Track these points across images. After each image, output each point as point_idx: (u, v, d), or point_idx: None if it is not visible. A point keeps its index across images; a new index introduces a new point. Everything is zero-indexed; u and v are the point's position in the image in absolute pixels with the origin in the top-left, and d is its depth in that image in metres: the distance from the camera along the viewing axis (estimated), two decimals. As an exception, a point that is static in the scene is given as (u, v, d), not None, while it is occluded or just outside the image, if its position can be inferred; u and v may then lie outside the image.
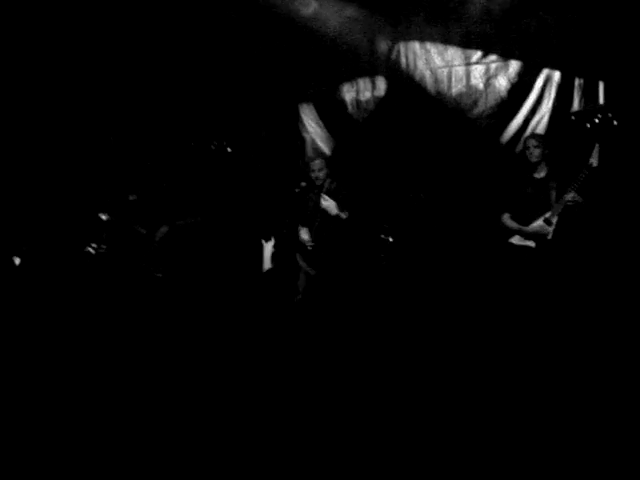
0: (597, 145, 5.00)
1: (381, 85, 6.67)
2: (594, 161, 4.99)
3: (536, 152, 5.27)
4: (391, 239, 5.89)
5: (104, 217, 6.29)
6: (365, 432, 3.33)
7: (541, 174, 5.32)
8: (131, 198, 6.47)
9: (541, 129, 6.06)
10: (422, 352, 4.54)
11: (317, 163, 5.70)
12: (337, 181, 5.69)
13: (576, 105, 6.01)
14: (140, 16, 6.39)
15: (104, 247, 6.24)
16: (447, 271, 5.88)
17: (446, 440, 3.22)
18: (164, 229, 6.34)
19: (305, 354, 4.59)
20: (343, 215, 5.51)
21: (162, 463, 3.09)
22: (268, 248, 5.78)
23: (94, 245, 6.19)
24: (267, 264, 5.77)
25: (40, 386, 4.01)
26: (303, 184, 5.81)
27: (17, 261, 6.30)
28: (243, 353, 4.62)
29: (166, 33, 6.53)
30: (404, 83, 6.56)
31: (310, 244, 5.59)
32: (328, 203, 5.51)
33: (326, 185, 5.62)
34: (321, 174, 5.63)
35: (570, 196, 5.04)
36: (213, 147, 6.69)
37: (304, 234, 5.68)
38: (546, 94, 6.10)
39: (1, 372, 4.26)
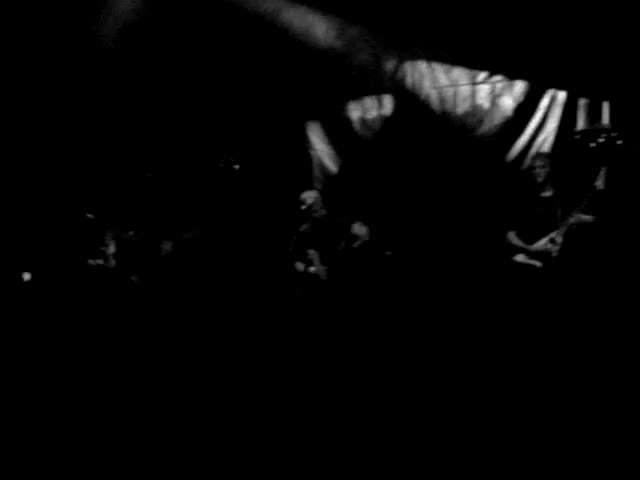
0: (603, 168, 5.06)
1: (387, 104, 6.75)
2: (600, 184, 5.05)
3: (542, 172, 5.33)
4: (393, 255, 5.94)
5: (109, 231, 6.34)
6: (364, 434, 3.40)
7: (547, 193, 5.36)
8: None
9: (546, 148, 6.11)
10: (423, 366, 4.60)
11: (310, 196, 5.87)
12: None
13: (581, 124, 6.03)
14: (155, 36, 6.49)
15: (112, 262, 6.28)
16: (450, 288, 5.92)
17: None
18: (168, 244, 6.37)
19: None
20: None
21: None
22: None
23: (99, 260, 6.23)
24: None
25: (50, 397, 4.09)
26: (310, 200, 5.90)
27: (27, 276, 6.36)
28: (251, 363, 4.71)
29: (175, 52, 6.61)
30: (410, 102, 6.62)
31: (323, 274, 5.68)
32: (363, 229, 5.62)
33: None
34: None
35: (575, 217, 5.10)
36: (221, 164, 6.76)
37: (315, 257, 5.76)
38: (551, 114, 6.15)
39: (10, 382, 4.34)
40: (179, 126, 6.95)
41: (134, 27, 6.47)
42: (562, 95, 6.13)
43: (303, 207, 5.83)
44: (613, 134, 5.65)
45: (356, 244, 5.67)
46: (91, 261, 6.19)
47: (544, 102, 6.18)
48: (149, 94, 6.81)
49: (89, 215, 6.21)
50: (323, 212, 5.90)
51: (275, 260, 6.20)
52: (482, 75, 6.39)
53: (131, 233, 6.29)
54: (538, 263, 5.22)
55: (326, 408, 3.86)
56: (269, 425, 3.64)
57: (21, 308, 6.04)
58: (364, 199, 6.32)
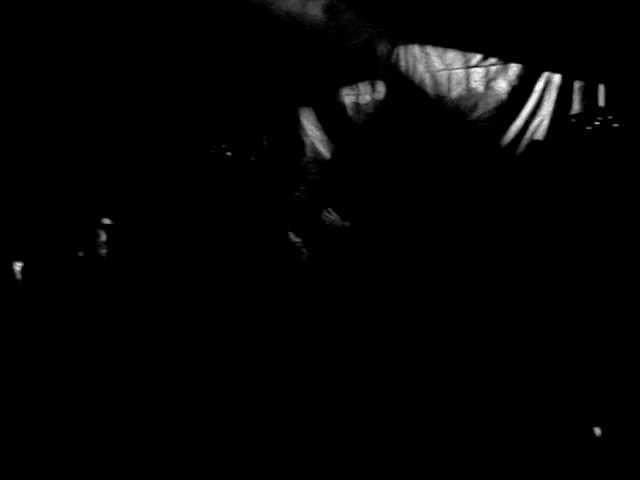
0: None
1: (381, 89, 6.68)
2: None
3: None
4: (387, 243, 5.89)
5: (105, 221, 6.29)
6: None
7: None
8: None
9: (541, 132, 6.07)
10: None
11: (313, 166, 5.73)
12: (337, 187, 5.73)
13: (576, 108, 6.01)
14: (146, 22, 6.42)
15: (102, 251, 6.23)
16: (440, 276, 5.86)
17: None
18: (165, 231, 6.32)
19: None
20: (346, 224, 5.54)
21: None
22: None
23: (88, 250, 6.18)
24: None
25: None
26: (302, 188, 5.83)
27: (18, 266, 6.29)
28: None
29: (165, 36, 6.54)
30: (404, 86, 6.56)
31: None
32: (334, 217, 5.55)
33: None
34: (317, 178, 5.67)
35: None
36: (212, 151, 6.70)
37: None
38: (546, 97, 6.10)
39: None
40: (171, 113, 6.88)
41: (125, 12, 6.40)
42: (557, 78, 6.08)
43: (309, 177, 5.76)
44: (609, 117, 5.61)
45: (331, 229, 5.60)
46: (81, 252, 6.13)
47: (539, 85, 6.12)
48: (141, 82, 6.73)
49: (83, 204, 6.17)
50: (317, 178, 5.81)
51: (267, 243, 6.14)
52: (476, 58, 6.32)
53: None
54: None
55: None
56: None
57: (13, 300, 5.98)
58: (356, 185, 6.28)
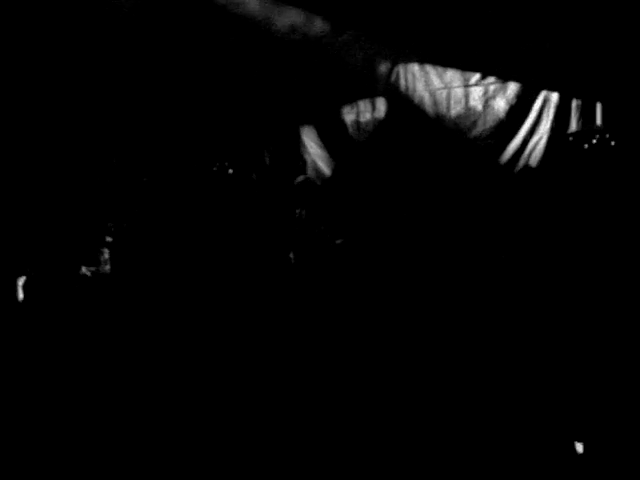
0: None
1: (381, 107, 6.75)
2: None
3: None
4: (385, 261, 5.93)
5: (108, 239, 6.32)
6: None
7: None
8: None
9: (539, 150, 6.12)
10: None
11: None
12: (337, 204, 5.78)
13: (574, 126, 6.06)
14: (151, 42, 6.46)
15: (106, 268, 6.26)
16: (444, 289, 5.89)
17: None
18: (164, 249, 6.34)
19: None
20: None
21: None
22: None
23: (92, 268, 6.21)
24: None
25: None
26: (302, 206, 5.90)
27: (21, 282, 6.31)
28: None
29: (170, 55, 6.58)
30: (403, 104, 6.63)
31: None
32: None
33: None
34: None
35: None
36: (215, 168, 6.74)
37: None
38: (544, 115, 6.16)
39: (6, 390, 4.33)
40: (173, 131, 6.93)
41: (130, 34, 6.45)
42: (555, 97, 6.14)
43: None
44: (606, 135, 5.65)
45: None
46: (85, 268, 6.16)
47: (537, 104, 6.18)
48: (145, 100, 6.78)
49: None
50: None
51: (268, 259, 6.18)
52: (475, 77, 6.39)
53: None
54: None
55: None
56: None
57: (17, 315, 6.00)
58: (356, 202, 6.33)
